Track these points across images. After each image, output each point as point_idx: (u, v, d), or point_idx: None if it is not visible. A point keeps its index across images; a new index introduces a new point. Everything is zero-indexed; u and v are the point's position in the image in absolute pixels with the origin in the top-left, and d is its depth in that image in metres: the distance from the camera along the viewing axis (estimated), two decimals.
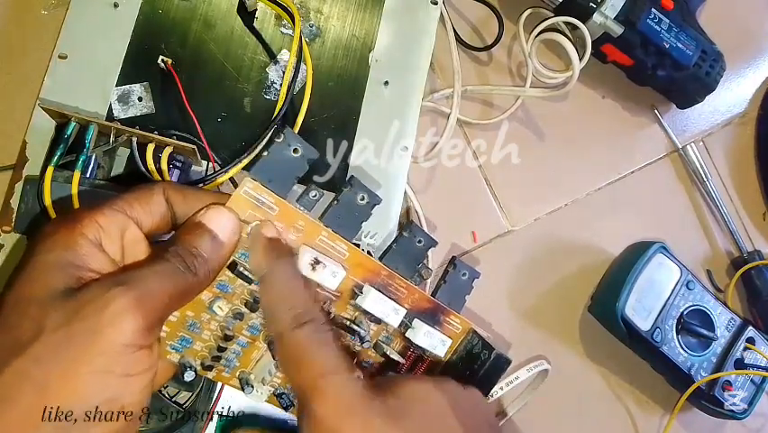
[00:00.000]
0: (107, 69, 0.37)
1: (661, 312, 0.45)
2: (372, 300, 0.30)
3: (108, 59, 0.37)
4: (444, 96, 0.46)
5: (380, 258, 0.32)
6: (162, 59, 0.37)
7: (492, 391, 0.41)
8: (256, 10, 0.39)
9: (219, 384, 0.36)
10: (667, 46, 0.44)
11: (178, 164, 0.36)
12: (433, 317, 0.33)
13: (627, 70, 0.48)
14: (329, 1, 0.41)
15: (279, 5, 0.38)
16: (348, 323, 0.31)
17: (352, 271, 0.30)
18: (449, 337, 0.33)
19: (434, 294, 0.33)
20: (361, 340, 0.31)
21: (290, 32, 0.40)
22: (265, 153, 0.27)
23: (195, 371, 0.28)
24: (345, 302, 0.31)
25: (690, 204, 0.51)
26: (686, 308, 0.45)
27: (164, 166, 0.35)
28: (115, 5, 0.37)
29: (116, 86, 0.37)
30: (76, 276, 0.23)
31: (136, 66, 0.37)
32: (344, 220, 0.30)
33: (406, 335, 0.32)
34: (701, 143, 0.51)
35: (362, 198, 0.30)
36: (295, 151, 0.28)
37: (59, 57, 0.36)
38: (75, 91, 0.36)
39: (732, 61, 0.48)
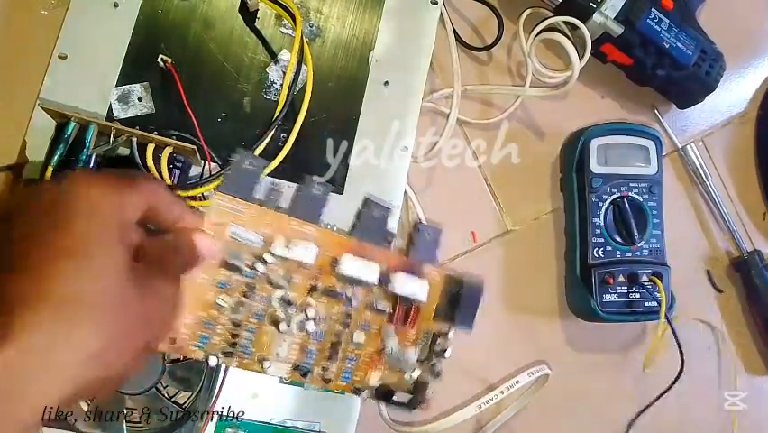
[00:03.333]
0: (107, 69, 0.37)
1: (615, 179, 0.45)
2: (348, 263, 0.34)
3: (108, 59, 0.37)
4: (444, 95, 0.46)
5: (349, 234, 0.37)
6: (162, 58, 0.37)
7: (492, 394, 0.42)
8: (258, 10, 0.39)
9: (218, 384, 0.37)
10: (667, 46, 0.44)
11: (177, 164, 0.36)
12: (410, 272, 0.37)
13: (627, 70, 0.48)
14: (329, 1, 0.41)
15: (281, 6, 0.38)
16: (336, 289, 0.36)
17: (326, 247, 0.35)
18: (428, 282, 0.37)
19: (407, 256, 0.38)
20: (350, 301, 0.36)
21: (290, 31, 0.40)
22: (228, 171, 0.33)
23: (218, 357, 0.33)
24: (329, 275, 0.35)
25: (690, 204, 0.51)
26: (632, 198, 0.45)
27: (164, 166, 0.35)
28: (115, 5, 0.37)
29: (116, 86, 0.37)
30: (128, 249, 0.26)
31: (136, 66, 0.37)
32: (306, 209, 0.35)
33: (389, 288, 0.36)
34: (701, 143, 0.51)
35: (317, 190, 0.36)
36: (250, 164, 0.33)
37: (59, 57, 0.36)
38: (75, 91, 0.36)
39: (732, 61, 0.48)
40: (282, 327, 0.34)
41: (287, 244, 0.33)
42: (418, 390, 0.38)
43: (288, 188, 0.38)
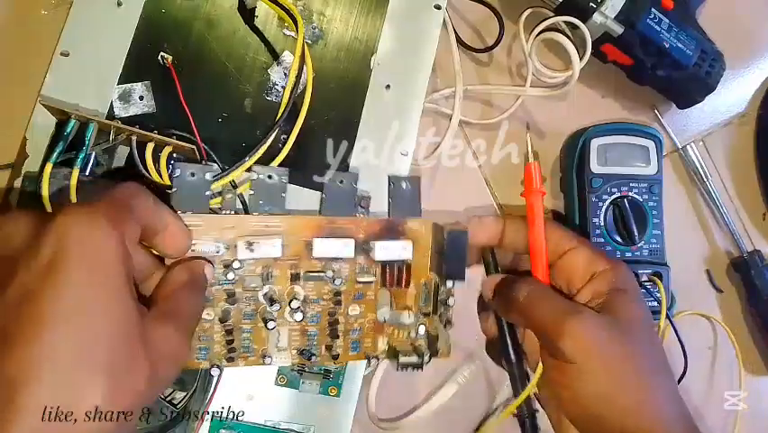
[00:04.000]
0: (109, 67, 0.37)
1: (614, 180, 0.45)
2: (320, 246, 0.34)
3: (110, 57, 0.37)
4: (444, 95, 0.46)
5: (319, 212, 0.36)
6: (162, 56, 0.37)
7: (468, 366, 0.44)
8: (255, 8, 0.39)
9: (213, 385, 0.37)
10: (667, 46, 0.44)
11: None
12: (391, 232, 0.36)
13: (627, 70, 0.48)
14: (332, 3, 0.41)
15: (284, 9, 0.38)
16: (318, 273, 0.35)
17: (298, 234, 0.34)
18: (409, 241, 0.36)
19: (389, 215, 0.37)
20: (335, 280, 0.35)
21: (293, 33, 0.40)
22: (174, 189, 0.32)
23: (220, 367, 0.33)
24: (308, 260, 0.35)
25: (690, 204, 0.51)
26: (632, 198, 0.46)
27: (163, 166, 0.35)
28: (119, 4, 0.37)
29: (117, 84, 0.37)
30: (135, 298, 0.25)
31: (138, 64, 0.37)
32: (267, 200, 0.34)
33: (372, 257, 0.36)
34: (701, 143, 0.51)
35: (270, 177, 0.35)
36: (192, 174, 0.32)
37: (62, 54, 0.36)
38: (76, 88, 0.36)
39: (732, 61, 0.48)
40: (270, 324, 0.33)
41: (248, 247, 0.33)
42: (430, 343, 0.37)
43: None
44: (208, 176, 0.33)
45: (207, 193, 0.33)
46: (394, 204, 0.37)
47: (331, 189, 0.36)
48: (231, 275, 0.33)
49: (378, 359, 0.38)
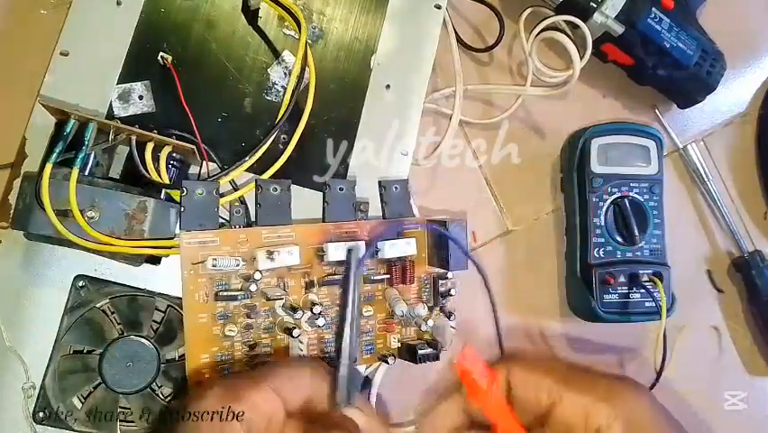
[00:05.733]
0: (108, 67, 0.37)
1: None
2: (333, 251, 0.35)
3: (110, 56, 0.37)
4: (444, 95, 0.46)
5: (323, 220, 0.37)
6: (162, 56, 0.37)
7: None
8: (259, 9, 0.39)
9: None
10: (667, 45, 0.44)
11: (176, 164, 0.36)
12: (393, 232, 0.38)
13: (628, 70, 0.48)
14: (332, 3, 0.41)
15: (285, 10, 0.38)
16: (329, 277, 0.36)
17: (307, 241, 0.35)
18: (412, 237, 0.38)
19: (384, 217, 0.39)
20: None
21: (293, 33, 0.40)
22: (182, 209, 0.33)
23: None
24: (319, 266, 0.36)
25: (691, 204, 0.51)
26: (632, 198, 0.45)
27: (162, 165, 0.35)
28: (118, 3, 0.37)
29: (117, 83, 0.37)
30: None
31: (137, 64, 0.37)
32: (274, 212, 0.35)
33: (380, 257, 0.37)
34: (702, 143, 0.51)
35: (275, 189, 0.35)
36: (200, 193, 0.33)
37: (61, 53, 0.36)
38: (75, 88, 0.36)
39: (732, 61, 0.48)
40: (295, 332, 0.34)
41: (269, 256, 0.33)
42: (437, 334, 0.39)
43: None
44: (215, 192, 0.34)
45: (216, 209, 0.34)
46: (387, 206, 0.39)
47: (332, 197, 0.37)
48: (254, 287, 0.33)
49: (394, 357, 0.38)
